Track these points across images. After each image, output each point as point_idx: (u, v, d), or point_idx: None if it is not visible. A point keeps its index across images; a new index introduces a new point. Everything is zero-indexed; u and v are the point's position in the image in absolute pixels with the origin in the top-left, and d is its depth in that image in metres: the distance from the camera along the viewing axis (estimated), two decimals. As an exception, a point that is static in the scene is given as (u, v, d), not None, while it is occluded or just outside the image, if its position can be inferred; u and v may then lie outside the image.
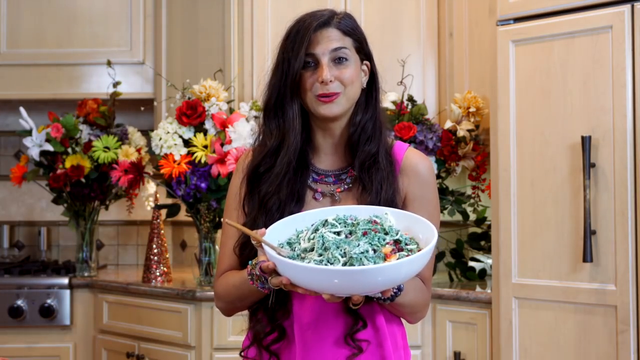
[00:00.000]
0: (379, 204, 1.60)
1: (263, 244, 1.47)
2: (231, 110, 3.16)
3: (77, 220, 3.49)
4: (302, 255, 1.47)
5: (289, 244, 1.51)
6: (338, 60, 1.64)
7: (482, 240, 3.22)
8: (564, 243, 2.43)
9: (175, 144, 2.99)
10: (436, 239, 1.45)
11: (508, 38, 2.56)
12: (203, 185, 2.97)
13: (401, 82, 3.03)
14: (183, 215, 3.27)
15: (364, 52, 1.70)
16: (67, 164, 3.34)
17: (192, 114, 3.01)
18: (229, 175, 2.95)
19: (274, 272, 1.48)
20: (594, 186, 2.37)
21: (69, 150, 3.42)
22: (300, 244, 1.49)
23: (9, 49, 3.73)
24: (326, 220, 1.51)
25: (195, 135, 3.01)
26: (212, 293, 2.89)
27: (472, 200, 3.13)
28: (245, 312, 1.74)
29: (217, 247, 3.14)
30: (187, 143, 3.02)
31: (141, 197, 3.40)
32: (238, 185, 1.72)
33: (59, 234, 4.09)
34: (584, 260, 2.34)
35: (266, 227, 1.53)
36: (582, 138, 2.37)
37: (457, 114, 3.03)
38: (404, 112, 3.05)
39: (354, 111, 1.69)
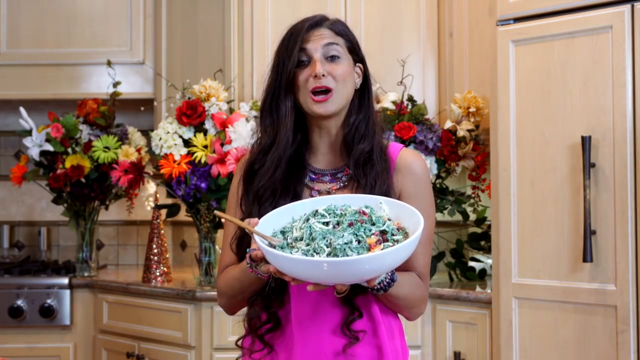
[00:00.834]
0: None
1: (254, 234, 1.52)
2: (231, 110, 3.16)
3: (77, 220, 3.50)
4: (293, 244, 1.51)
5: (283, 232, 1.55)
6: (331, 58, 1.70)
7: (482, 240, 3.22)
8: (564, 243, 2.43)
9: (175, 144, 2.99)
10: (421, 229, 1.48)
11: (508, 38, 2.56)
12: (203, 185, 2.97)
13: (401, 82, 3.03)
14: (183, 215, 3.27)
15: (356, 54, 1.75)
16: (67, 164, 3.34)
17: (192, 114, 3.01)
18: (229, 175, 2.95)
19: (264, 260, 1.53)
20: (594, 186, 2.37)
21: (69, 150, 3.42)
22: (292, 232, 1.54)
23: (9, 49, 3.73)
24: (317, 211, 1.56)
25: (195, 135, 3.01)
26: (212, 293, 2.90)
27: (472, 200, 3.13)
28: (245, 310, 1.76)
29: (217, 247, 3.15)
30: (187, 143, 3.02)
31: (141, 197, 3.40)
32: (236, 185, 1.78)
33: (59, 234, 4.09)
34: (584, 260, 2.34)
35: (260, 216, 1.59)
36: (582, 138, 2.37)
37: (457, 114, 3.03)
38: (404, 112, 3.05)
39: (348, 112, 1.74)
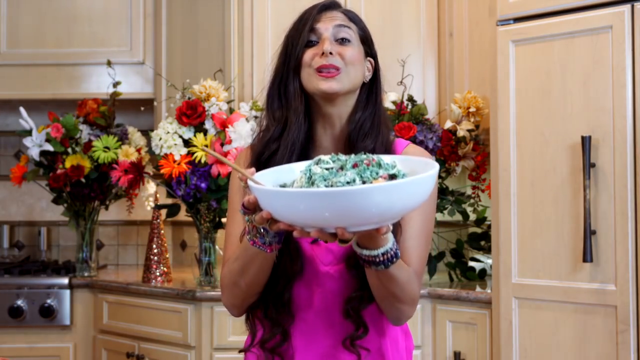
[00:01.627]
0: None
1: (248, 180, 1.36)
2: (231, 110, 3.16)
3: (77, 220, 3.50)
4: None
5: (283, 186, 1.40)
6: (341, 40, 1.62)
7: (482, 240, 3.22)
8: (564, 243, 2.43)
9: (175, 144, 2.99)
10: (436, 169, 1.32)
11: (508, 38, 2.56)
12: (203, 185, 2.97)
13: (401, 82, 3.03)
14: (183, 215, 3.27)
15: (368, 46, 1.68)
16: (67, 164, 3.34)
17: (192, 114, 3.01)
18: (229, 175, 2.94)
19: (258, 208, 1.37)
20: (594, 186, 2.37)
21: (69, 150, 3.42)
22: (293, 185, 1.38)
23: (9, 49, 3.73)
24: (320, 159, 1.38)
25: (195, 135, 3.01)
26: (212, 293, 2.90)
27: (472, 200, 3.13)
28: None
29: (217, 247, 3.15)
30: (187, 143, 3.02)
31: (141, 197, 3.40)
32: (237, 182, 1.67)
33: (59, 234, 4.09)
34: (584, 260, 2.34)
35: None
36: (582, 138, 2.37)
37: (457, 114, 3.03)
38: (404, 112, 3.05)
39: (354, 108, 1.66)
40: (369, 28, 1.72)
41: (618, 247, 2.32)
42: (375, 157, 1.36)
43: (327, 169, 1.34)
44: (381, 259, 1.43)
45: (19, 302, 3.34)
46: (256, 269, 1.54)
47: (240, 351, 1.72)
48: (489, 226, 3.15)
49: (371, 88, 1.69)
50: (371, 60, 1.69)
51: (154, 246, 3.31)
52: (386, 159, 1.39)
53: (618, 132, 2.33)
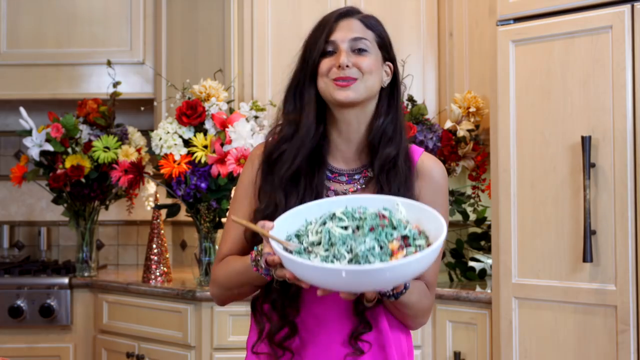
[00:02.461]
0: None
1: (271, 241, 1.45)
2: (231, 110, 3.16)
3: (77, 220, 3.50)
4: (309, 249, 1.45)
5: (298, 236, 1.49)
6: (358, 51, 1.64)
7: (482, 240, 3.22)
8: (564, 243, 2.43)
9: (175, 144, 2.99)
10: (445, 233, 1.42)
11: (508, 38, 2.56)
12: (203, 185, 2.97)
13: (401, 82, 3.03)
14: (183, 215, 3.27)
15: (386, 51, 1.70)
16: (67, 164, 3.34)
17: (192, 114, 3.01)
18: (229, 175, 2.95)
19: (279, 265, 1.47)
20: (594, 186, 2.37)
21: (69, 150, 3.42)
22: (308, 236, 1.47)
23: (9, 49, 3.73)
24: (334, 214, 1.49)
25: (195, 135, 3.01)
26: (212, 293, 2.90)
27: (472, 200, 3.13)
28: (248, 308, 1.72)
29: (217, 247, 3.14)
30: (187, 143, 3.02)
31: (141, 197, 3.40)
32: (249, 175, 1.72)
33: (59, 234, 4.09)
34: (584, 260, 2.34)
35: (286, 207, 1.54)
36: (582, 138, 2.37)
37: (457, 114, 3.03)
38: (403, 112, 3.05)
39: (375, 114, 1.68)
40: None
41: (618, 247, 2.32)
42: (387, 213, 1.48)
43: (344, 227, 1.46)
44: (391, 293, 1.53)
45: (19, 302, 3.34)
46: (253, 286, 1.65)
47: (252, 349, 1.70)
48: (489, 226, 3.15)
49: (391, 92, 1.71)
50: (390, 64, 1.71)
51: (154, 246, 3.31)
52: (393, 207, 1.51)
53: (618, 132, 2.33)
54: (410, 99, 3.13)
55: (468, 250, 3.27)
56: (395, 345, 1.66)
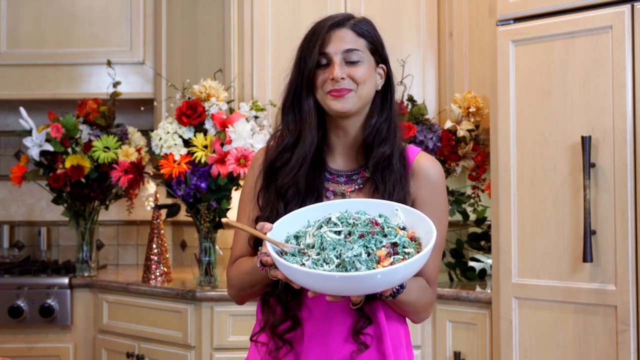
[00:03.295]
0: None
1: (265, 240, 1.51)
2: (231, 110, 3.17)
3: (77, 220, 3.49)
4: (305, 250, 1.50)
5: (297, 237, 1.54)
6: (351, 62, 1.67)
7: (482, 240, 3.22)
8: (564, 243, 2.43)
9: (175, 144, 2.99)
10: (433, 242, 1.46)
11: (508, 38, 2.56)
12: (203, 185, 2.97)
13: (401, 82, 3.03)
14: (183, 215, 3.27)
15: (379, 55, 1.72)
16: (67, 164, 3.34)
17: (192, 114, 3.01)
18: (229, 175, 2.95)
19: (273, 265, 1.53)
20: (594, 186, 2.37)
21: (69, 150, 3.42)
22: (305, 238, 1.53)
23: (9, 49, 3.73)
24: (329, 219, 1.54)
25: (195, 135, 3.01)
26: (212, 293, 2.90)
27: (472, 200, 3.13)
28: (248, 308, 1.74)
29: (217, 247, 3.15)
30: (187, 143, 3.02)
31: (141, 197, 3.40)
32: (253, 180, 1.76)
33: (59, 234, 4.09)
34: (584, 260, 2.34)
35: (286, 212, 1.59)
36: (582, 138, 2.37)
37: (457, 114, 3.03)
38: (404, 112, 3.06)
39: (369, 114, 1.72)
40: None
41: (618, 247, 2.32)
42: (380, 218, 1.53)
43: (336, 232, 1.51)
44: (387, 294, 1.56)
45: (19, 302, 3.34)
46: (264, 284, 1.67)
47: (250, 338, 1.75)
48: (489, 226, 3.15)
49: (385, 93, 1.74)
50: (383, 66, 1.74)
51: (154, 246, 3.31)
52: (392, 213, 1.56)
53: (618, 132, 2.33)
54: (410, 99, 3.13)
55: (468, 250, 3.27)
56: (391, 337, 1.68)
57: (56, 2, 3.74)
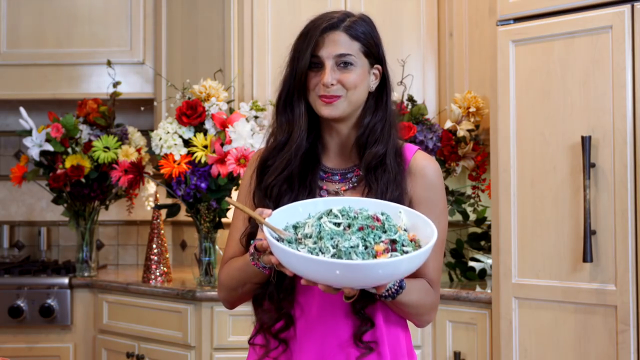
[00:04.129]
0: None
1: (263, 225, 1.50)
2: (231, 110, 3.17)
3: (77, 220, 3.50)
4: (301, 239, 1.49)
5: (295, 227, 1.53)
6: (343, 65, 1.66)
7: (482, 240, 3.22)
8: (564, 243, 2.43)
9: (175, 144, 2.99)
10: (433, 242, 1.45)
11: (508, 38, 2.56)
12: (203, 185, 2.97)
13: (401, 82, 3.04)
14: (183, 215, 3.27)
15: (374, 56, 1.71)
16: (67, 164, 3.34)
17: (192, 114, 3.01)
18: (229, 175, 2.95)
19: (267, 251, 1.51)
20: (594, 186, 2.37)
21: (69, 150, 3.42)
22: (304, 228, 1.51)
23: (9, 49, 3.74)
24: (331, 210, 1.53)
25: (195, 135, 3.01)
26: (212, 293, 2.90)
27: (472, 200, 3.13)
28: (248, 308, 1.74)
29: (217, 247, 3.15)
30: (187, 143, 3.02)
31: (141, 197, 3.40)
32: (248, 178, 1.77)
33: (59, 234, 4.09)
34: (584, 260, 2.34)
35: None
36: (582, 138, 2.37)
37: (457, 114, 3.03)
38: (404, 112, 3.05)
39: (362, 114, 1.71)
40: None
41: (618, 247, 2.32)
42: (382, 216, 1.52)
43: (336, 223, 1.50)
44: (385, 294, 1.54)
45: (19, 302, 3.34)
46: (254, 283, 1.66)
47: (249, 341, 1.74)
48: (489, 226, 3.15)
49: (380, 93, 1.73)
50: (378, 67, 1.72)
51: (154, 246, 3.31)
52: (394, 214, 1.54)
53: (618, 132, 2.33)
54: (410, 99, 3.13)
55: (468, 250, 3.27)
56: (389, 343, 1.66)
57: (56, 2, 3.74)
